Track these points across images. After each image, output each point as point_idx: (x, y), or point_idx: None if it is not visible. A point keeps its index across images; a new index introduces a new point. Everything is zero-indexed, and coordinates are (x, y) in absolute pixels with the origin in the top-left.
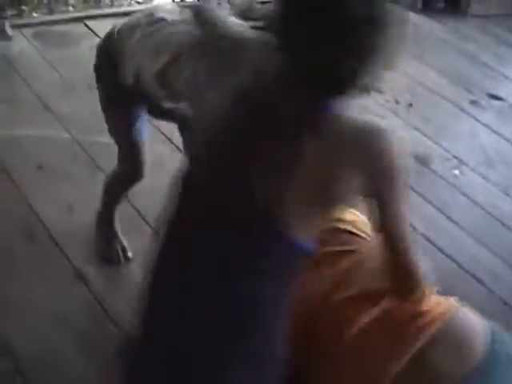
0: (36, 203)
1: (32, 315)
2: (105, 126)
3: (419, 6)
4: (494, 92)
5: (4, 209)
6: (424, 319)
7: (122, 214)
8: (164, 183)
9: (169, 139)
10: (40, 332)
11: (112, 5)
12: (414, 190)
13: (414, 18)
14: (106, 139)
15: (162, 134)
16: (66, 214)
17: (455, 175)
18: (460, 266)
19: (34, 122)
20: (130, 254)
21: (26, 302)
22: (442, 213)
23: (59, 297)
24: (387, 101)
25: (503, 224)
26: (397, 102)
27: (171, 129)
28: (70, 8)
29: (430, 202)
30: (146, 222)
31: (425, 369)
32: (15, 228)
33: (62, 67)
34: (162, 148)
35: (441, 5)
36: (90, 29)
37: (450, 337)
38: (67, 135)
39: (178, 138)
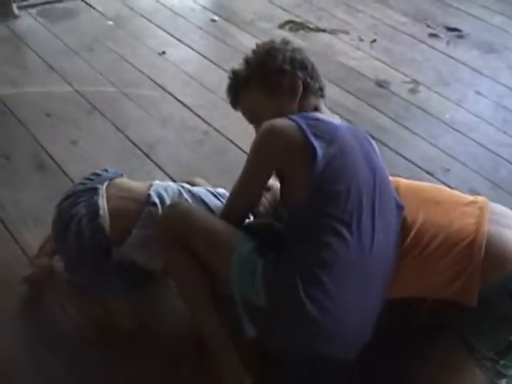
0: (45, 142)
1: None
2: (101, 78)
3: None
4: (452, 25)
5: (18, 148)
6: None
7: None
8: None
9: None
10: None
11: None
12: (375, 108)
13: None
14: (103, 88)
15: None
16: (70, 148)
17: (412, 93)
18: (412, 162)
19: (41, 81)
20: None
21: (40, 214)
22: (398, 123)
23: None
24: (352, 39)
25: (455, 129)
26: (360, 40)
27: None
28: None
29: (388, 116)
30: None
31: None
32: (27, 161)
33: (64, 36)
34: None
35: None
36: (87, 3)
37: None
38: (70, 88)
39: None
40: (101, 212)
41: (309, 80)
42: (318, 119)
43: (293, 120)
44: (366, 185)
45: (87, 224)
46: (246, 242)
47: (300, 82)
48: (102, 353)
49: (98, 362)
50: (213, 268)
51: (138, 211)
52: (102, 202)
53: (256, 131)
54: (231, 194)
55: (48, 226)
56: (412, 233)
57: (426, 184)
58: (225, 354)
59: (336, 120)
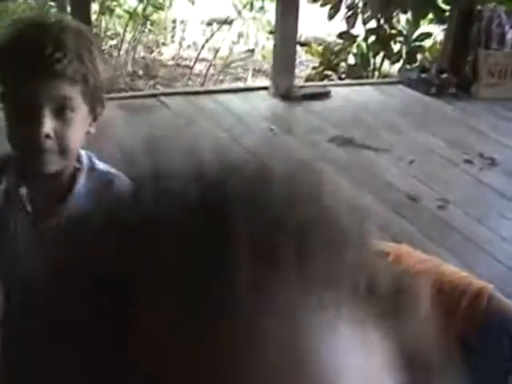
0: None
1: None
2: None
3: (433, 91)
4: (487, 154)
5: None
6: None
7: None
8: None
9: None
10: None
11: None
12: (407, 220)
13: (427, 100)
14: None
15: None
16: None
17: (440, 209)
18: None
19: None
20: None
21: None
22: (424, 235)
23: None
24: (392, 158)
25: (479, 247)
26: (400, 159)
27: None
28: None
29: (417, 228)
30: None
31: None
32: None
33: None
34: None
35: (452, 90)
36: (162, 102)
37: None
38: None
39: None
40: None
41: None
42: None
43: None
44: None
45: None
46: None
47: None
48: None
49: None
50: None
51: None
52: None
53: None
54: None
55: None
56: None
57: None
58: None
59: None
